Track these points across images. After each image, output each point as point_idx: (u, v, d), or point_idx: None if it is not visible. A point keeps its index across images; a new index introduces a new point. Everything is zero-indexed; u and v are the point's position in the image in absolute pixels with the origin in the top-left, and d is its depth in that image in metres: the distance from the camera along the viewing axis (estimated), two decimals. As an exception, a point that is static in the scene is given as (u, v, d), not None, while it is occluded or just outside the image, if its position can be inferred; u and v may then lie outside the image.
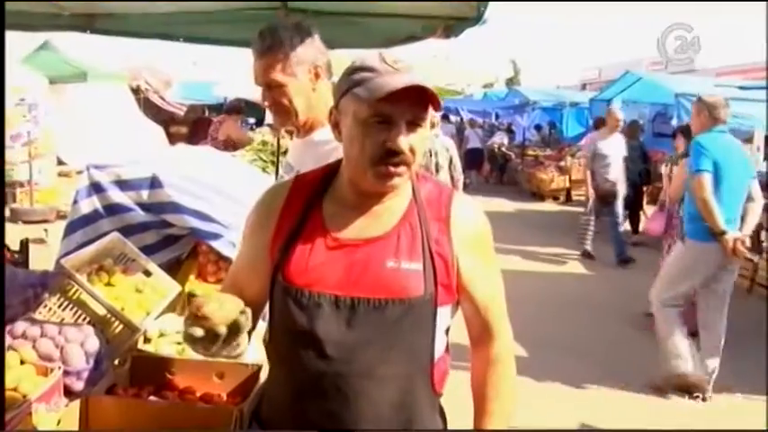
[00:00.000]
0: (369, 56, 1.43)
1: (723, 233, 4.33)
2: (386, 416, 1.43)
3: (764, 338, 5.23)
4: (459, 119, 20.22)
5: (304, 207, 1.50)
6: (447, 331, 1.53)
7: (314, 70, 2.08)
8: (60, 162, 10.57)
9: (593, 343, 5.63)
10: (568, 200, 13.45)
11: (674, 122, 9.07)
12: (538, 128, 19.11)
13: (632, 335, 5.81)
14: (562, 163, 14.15)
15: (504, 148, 17.13)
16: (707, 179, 4.38)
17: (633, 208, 9.86)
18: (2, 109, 2.26)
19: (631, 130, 9.70)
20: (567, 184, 13.59)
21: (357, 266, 1.42)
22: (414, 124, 1.39)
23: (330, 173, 1.55)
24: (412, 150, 1.40)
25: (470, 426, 1.59)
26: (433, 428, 1.55)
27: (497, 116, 20.81)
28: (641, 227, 9.35)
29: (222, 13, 2.92)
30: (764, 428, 2.86)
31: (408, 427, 1.46)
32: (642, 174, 9.59)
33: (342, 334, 1.39)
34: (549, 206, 13.19)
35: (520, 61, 45.77)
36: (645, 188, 10.20)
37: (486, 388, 1.59)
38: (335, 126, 1.50)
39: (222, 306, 1.32)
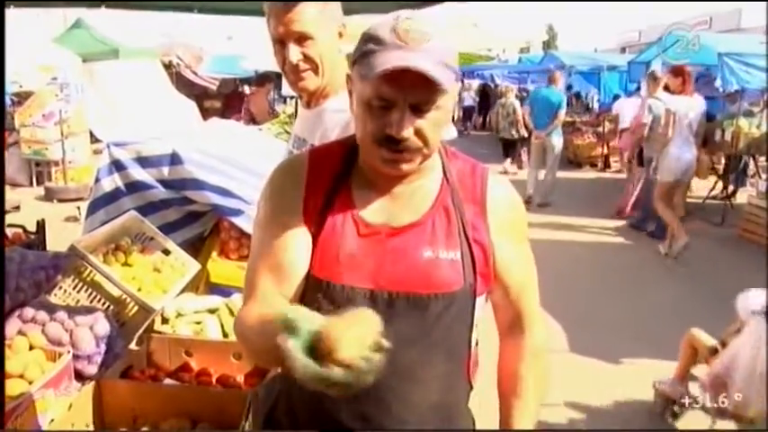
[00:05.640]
0: (382, 23, 1.25)
1: (532, 130, 9.67)
2: (424, 417, 1.33)
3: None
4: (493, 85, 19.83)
5: (330, 187, 1.35)
6: (478, 322, 1.41)
7: (341, 29, 1.91)
8: (94, 140, 10.62)
9: (630, 315, 5.46)
10: (606, 167, 13.09)
11: (719, 84, 8.63)
12: (577, 95, 18.63)
13: (671, 306, 5.63)
14: (600, 129, 13.76)
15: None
16: (525, 108, 10.26)
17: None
18: (2, 106, 2.20)
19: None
20: (606, 151, 13.23)
21: (390, 257, 1.29)
22: (419, 109, 1.22)
23: (350, 147, 1.39)
24: (420, 134, 1.24)
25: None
26: (467, 424, 1.46)
27: (533, 81, 20.34)
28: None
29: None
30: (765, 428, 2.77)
31: (446, 425, 1.38)
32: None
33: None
34: (586, 173, 12.87)
35: (557, 25, 44.66)
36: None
37: (518, 383, 1.47)
38: (351, 95, 1.33)
39: (360, 337, 0.99)
